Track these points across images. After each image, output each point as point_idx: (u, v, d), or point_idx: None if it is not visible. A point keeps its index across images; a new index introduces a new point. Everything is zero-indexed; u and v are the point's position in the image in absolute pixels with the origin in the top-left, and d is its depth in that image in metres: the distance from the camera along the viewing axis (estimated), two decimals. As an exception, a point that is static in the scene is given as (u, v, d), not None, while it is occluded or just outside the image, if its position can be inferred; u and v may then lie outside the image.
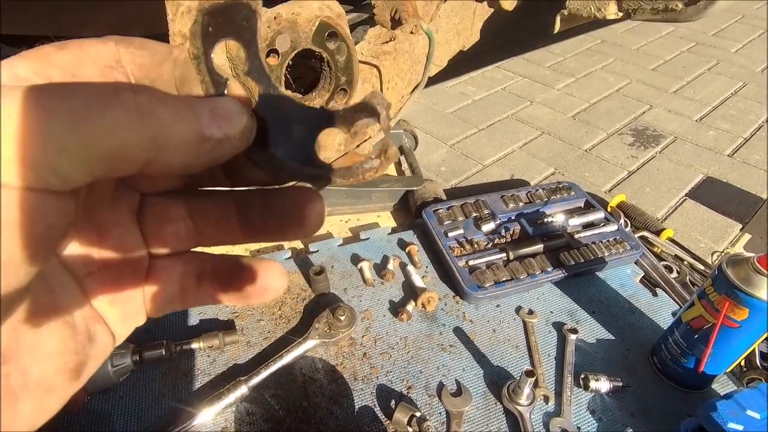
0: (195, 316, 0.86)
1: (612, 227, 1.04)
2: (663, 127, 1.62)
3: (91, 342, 0.19)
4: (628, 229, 1.08)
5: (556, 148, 1.52)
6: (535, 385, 0.75)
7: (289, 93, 0.21)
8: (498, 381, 0.78)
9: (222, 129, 0.17)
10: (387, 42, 0.85)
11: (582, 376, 0.78)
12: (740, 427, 0.60)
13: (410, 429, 0.69)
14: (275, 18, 0.57)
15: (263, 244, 1.02)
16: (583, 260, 0.96)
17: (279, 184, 0.22)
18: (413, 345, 0.83)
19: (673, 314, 0.91)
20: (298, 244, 1.04)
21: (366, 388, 0.76)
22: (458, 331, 0.86)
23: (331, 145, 0.72)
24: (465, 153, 1.50)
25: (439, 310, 0.90)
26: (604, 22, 2.31)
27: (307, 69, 0.69)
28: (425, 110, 1.71)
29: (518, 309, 0.91)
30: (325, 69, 0.68)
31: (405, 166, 1.28)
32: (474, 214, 1.06)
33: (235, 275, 0.23)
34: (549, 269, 0.94)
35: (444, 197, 1.13)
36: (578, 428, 0.72)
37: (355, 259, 0.99)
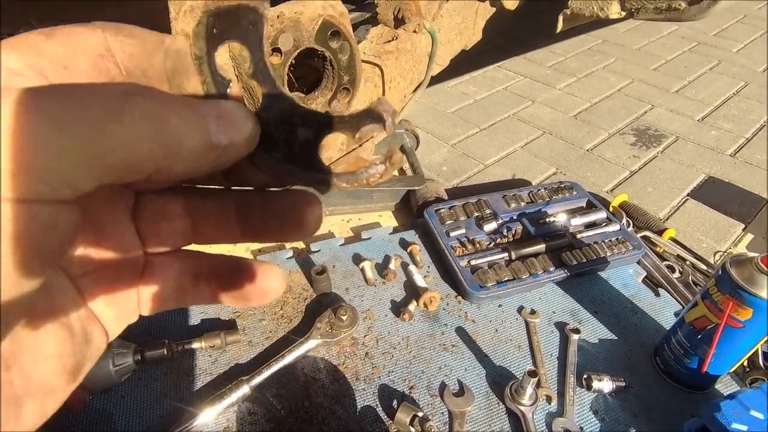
0: (196, 315, 0.86)
1: (614, 227, 1.04)
2: (665, 127, 1.62)
3: (87, 342, 0.19)
4: (630, 229, 1.08)
5: (557, 148, 1.52)
6: (538, 385, 0.75)
7: (293, 95, 0.20)
8: (500, 381, 0.78)
9: (228, 135, 0.17)
10: (389, 41, 0.85)
11: (585, 376, 0.78)
12: (744, 428, 0.59)
13: (413, 429, 0.69)
14: (278, 16, 0.57)
15: (264, 244, 1.02)
16: (585, 260, 0.95)
17: (280, 187, 0.22)
18: (415, 345, 0.83)
19: (676, 314, 0.91)
20: (299, 244, 1.04)
21: (368, 388, 0.76)
22: (460, 331, 0.86)
23: (333, 144, 0.72)
24: (466, 153, 1.49)
25: (441, 310, 0.90)
26: (606, 22, 2.31)
27: (309, 68, 0.69)
28: (426, 110, 1.70)
29: (520, 309, 0.90)
30: (327, 68, 0.68)
31: (406, 165, 1.28)
32: (476, 214, 1.05)
33: (234, 276, 0.22)
34: (551, 269, 0.94)
35: (446, 197, 1.13)
36: (581, 428, 0.72)
37: (357, 259, 0.99)
